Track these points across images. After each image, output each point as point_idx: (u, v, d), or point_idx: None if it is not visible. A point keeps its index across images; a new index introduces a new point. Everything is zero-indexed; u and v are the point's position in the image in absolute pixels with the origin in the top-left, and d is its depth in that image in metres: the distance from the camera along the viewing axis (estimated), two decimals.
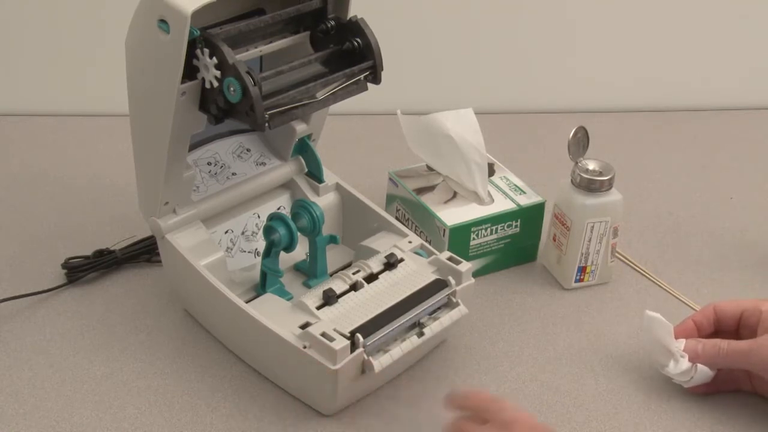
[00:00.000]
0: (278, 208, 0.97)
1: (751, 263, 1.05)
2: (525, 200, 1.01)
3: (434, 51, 1.31)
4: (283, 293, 0.90)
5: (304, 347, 0.79)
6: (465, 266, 0.88)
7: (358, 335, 0.80)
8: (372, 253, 0.90)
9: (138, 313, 0.94)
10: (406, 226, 0.96)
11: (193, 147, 0.93)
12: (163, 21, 0.75)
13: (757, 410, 0.85)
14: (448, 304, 0.86)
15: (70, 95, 1.29)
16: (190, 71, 0.79)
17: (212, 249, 0.89)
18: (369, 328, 0.82)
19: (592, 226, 0.96)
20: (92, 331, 0.92)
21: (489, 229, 0.99)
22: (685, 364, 0.84)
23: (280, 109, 0.79)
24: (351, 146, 1.23)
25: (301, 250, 0.92)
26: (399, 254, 0.89)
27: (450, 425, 0.76)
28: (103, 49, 1.13)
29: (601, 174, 0.96)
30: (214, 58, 0.77)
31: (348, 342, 0.79)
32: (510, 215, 1.00)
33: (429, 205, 1.00)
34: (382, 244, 0.92)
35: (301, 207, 0.90)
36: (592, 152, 0.98)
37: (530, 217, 1.01)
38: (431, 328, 0.84)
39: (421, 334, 0.83)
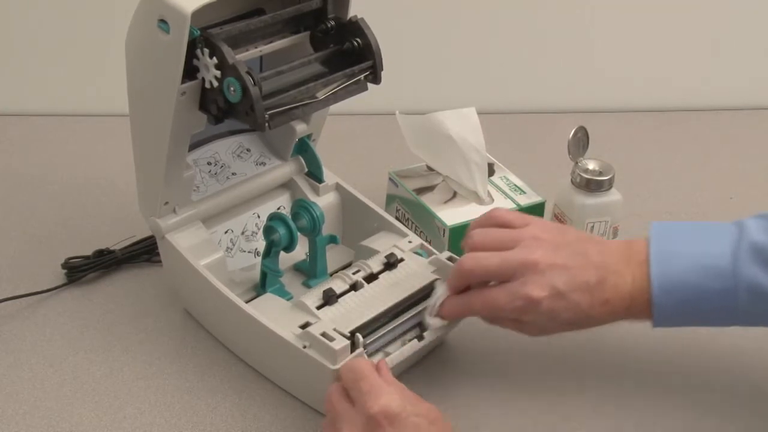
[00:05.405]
0: (278, 208, 0.97)
1: None
2: (525, 200, 1.01)
3: (434, 51, 1.31)
4: (283, 293, 0.90)
5: (304, 347, 0.79)
6: None
7: (358, 335, 0.80)
8: (372, 253, 0.90)
9: (138, 313, 0.94)
10: (406, 226, 0.96)
11: (193, 147, 0.93)
12: (163, 21, 0.75)
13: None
14: None
15: (70, 95, 1.28)
16: (190, 71, 0.79)
17: (212, 249, 0.89)
18: (369, 328, 0.82)
19: (592, 226, 0.96)
20: (92, 331, 0.92)
21: None
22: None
23: (280, 109, 0.79)
24: (351, 146, 1.23)
25: (301, 250, 0.92)
26: (399, 254, 0.89)
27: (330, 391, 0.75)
28: (103, 49, 1.14)
29: (601, 174, 0.96)
30: (214, 58, 0.77)
31: (348, 342, 0.78)
32: None
33: (429, 205, 1.00)
34: (382, 244, 0.92)
35: (301, 207, 0.90)
36: (592, 152, 0.98)
37: None
38: (431, 331, 0.84)
39: (421, 338, 0.84)
